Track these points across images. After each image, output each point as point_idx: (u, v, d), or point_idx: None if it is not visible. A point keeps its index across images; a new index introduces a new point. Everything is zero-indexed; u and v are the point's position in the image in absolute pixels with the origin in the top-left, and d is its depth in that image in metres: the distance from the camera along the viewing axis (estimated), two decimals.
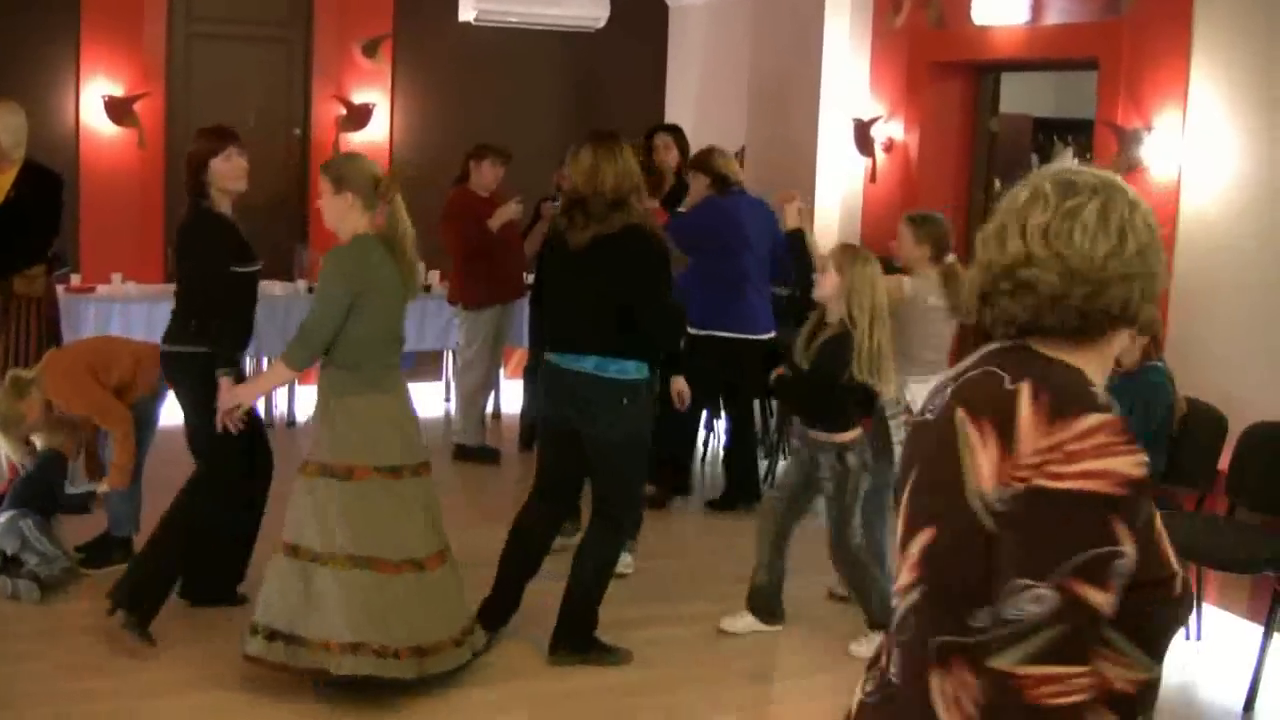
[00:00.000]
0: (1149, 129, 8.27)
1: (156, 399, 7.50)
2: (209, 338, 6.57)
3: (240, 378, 6.75)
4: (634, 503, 7.00)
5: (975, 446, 2.42)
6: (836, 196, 10.87)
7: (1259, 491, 7.05)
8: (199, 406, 6.65)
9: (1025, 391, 2.40)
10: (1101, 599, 2.29)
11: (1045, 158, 13.62)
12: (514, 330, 10.82)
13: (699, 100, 13.33)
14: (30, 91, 10.34)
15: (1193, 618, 7.27)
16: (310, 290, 10.19)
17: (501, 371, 11.56)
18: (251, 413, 6.77)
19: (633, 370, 6.44)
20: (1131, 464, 2.33)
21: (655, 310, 6.47)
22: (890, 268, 7.29)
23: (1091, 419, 2.34)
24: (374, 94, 12.65)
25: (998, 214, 2.60)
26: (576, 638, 6.66)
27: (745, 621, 7.18)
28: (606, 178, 6.37)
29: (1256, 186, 7.76)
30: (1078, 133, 13.11)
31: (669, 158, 10.16)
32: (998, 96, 10.42)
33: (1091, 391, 2.43)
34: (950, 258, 7.39)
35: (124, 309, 10.32)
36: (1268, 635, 6.59)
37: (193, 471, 6.79)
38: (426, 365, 11.98)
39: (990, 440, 2.40)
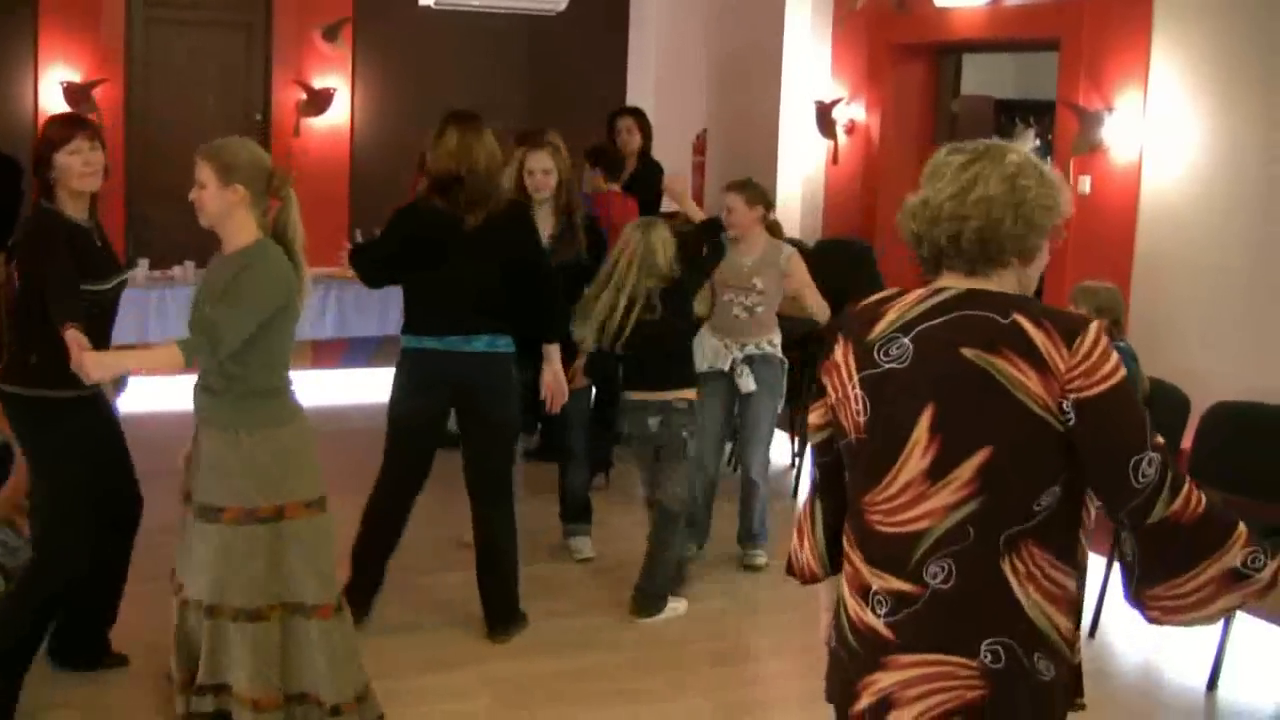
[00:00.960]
0: (1110, 110, 8.29)
1: None
2: (47, 377, 5.52)
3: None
4: (511, 478, 6.91)
5: (1013, 375, 2.86)
6: (798, 178, 10.87)
7: (1221, 470, 7.06)
8: (42, 462, 5.72)
9: (1024, 321, 2.89)
10: (1160, 436, 2.93)
11: (1006, 139, 13.65)
12: None
13: (660, 83, 13.30)
14: None
15: None
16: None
17: None
18: (117, 437, 6.00)
19: (511, 345, 6.58)
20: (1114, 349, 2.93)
21: (550, 285, 6.61)
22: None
23: (1091, 329, 2.90)
24: (335, 79, 12.62)
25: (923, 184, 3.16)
26: (514, 615, 6.76)
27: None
28: (479, 157, 6.39)
29: (1217, 167, 7.78)
30: (1039, 114, 13.15)
31: (631, 141, 10.15)
32: (959, 78, 10.43)
33: (1064, 310, 3.01)
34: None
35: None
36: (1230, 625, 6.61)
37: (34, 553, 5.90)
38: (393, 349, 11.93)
39: (1022, 367, 2.85)
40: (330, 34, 12.49)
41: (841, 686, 3.17)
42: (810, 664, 6.57)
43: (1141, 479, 2.86)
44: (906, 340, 2.98)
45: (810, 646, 6.68)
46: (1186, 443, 7.23)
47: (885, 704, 3.02)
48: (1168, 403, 7.24)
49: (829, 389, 3.17)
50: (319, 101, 12.47)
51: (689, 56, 12.47)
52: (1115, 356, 2.90)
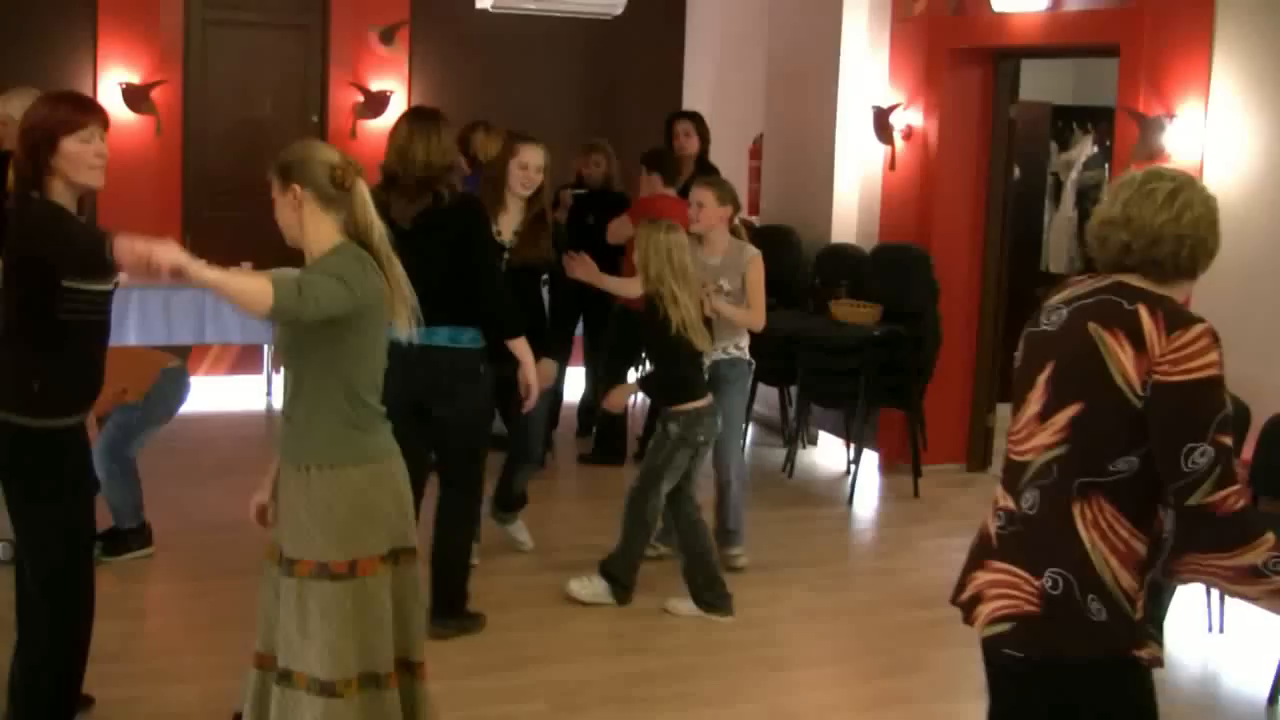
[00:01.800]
0: (1171, 116, 8.22)
1: (145, 410, 7.42)
2: (51, 406, 4.96)
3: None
4: (482, 471, 6.93)
5: (1114, 349, 3.38)
6: (855, 183, 10.83)
7: None
8: (39, 502, 5.02)
9: (1144, 311, 3.38)
10: (1230, 440, 3.32)
11: (1064, 145, 13.58)
12: None
13: (716, 87, 13.30)
14: (48, 79, 10.31)
15: (1215, 610, 7.25)
16: None
17: None
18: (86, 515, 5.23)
19: (478, 340, 6.60)
20: (1219, 353, 3.34)
21: (491, 282, 6.60)
22: None
23: (1197, 327, 3.34)
24: (391, 81, 12.64)
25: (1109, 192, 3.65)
26: (456, 609, 6.76)
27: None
28: (417, 153, 6.46)
29: (1279, 174, 7.72)
30: (1096, 120, 13.07)
31: (689, 145, 10.15)
32: (1017, 83, 10.37)
33: (1187, 311, 3.42)
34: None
35: (141, 296, 10.32)
36: None
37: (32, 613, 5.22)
38: None
39: (1125, 344, 3.37)
40: (387, 36, 12.52)
41: (960, 577, 3.72)
42: (861, 671, 6.58)
43: (1190, 465, 3.28)
44: (1065, 311, 3.57)
45: (861, 654, 6.68)
46: (1247, 454, 7.16)
47: (976, 598, 3.62)
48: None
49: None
50: (375, 104, 12.50)
51: (746, 61, 12.45)
52: (1211, 356, 3.32)
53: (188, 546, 7.73)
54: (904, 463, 9.80)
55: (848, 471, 9.81)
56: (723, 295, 7.56)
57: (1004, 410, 9.57)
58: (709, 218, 7.65)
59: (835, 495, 9.62)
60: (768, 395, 10.89)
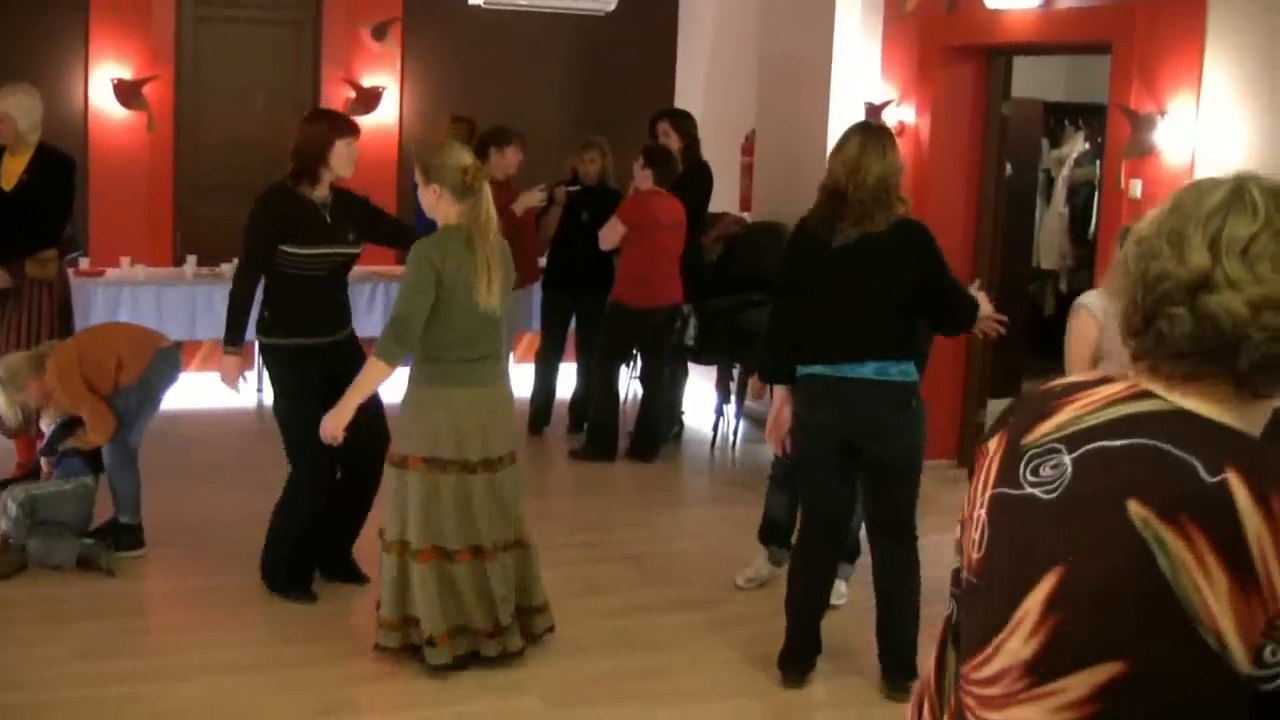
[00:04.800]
0: (1162, 113, 8.24)
1: (141, 389, 7.45)
2: (272, 328, 6.91)
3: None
4: (914, 517, 6.30)
5: (1190, 565, 1.80)
6: None
7: None
8: (277, 396, 7.06)
9: (1240, 490, 1.80)
10: None
11: (1056, 142, 13.60)
12: (526, 315, 10.84)
13: (709, 83, 13.30)
14: (39, 74, 10.30)
15: None
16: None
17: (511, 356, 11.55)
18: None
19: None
20: None
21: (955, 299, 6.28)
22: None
23: None
24: (383, 77, 12.63)
25: (1167, 214, 2.03)
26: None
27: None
28: (871, 171, 5.89)
29: (1271, 170, 7.70)
30: (1088, 117, 13.10)
31: (668, 144, 10.23)
32: (1009, 80, 10.38)
33: None
34: None
35: (133, 293, 10.34)
36: None
37: (293, 472, 6.96)
38: None
39: (1213, 564, 1.79)
40: (379, 33, 12.51)
41: None
42: (858, 665, 6.58)
43: None
44: (1067, 459, 1.97)
45: (857, 649, 6.69)
46: None
47: None
48: None
49: (969, 491, 2.19)
50: (368, 100, 12.49)
51: (738, 57, 12.44)
52: None
53: (182, 544, 7.73)
54: None
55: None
56: None
57: (995, 406, 9.59)
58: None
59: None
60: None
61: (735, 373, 10.38)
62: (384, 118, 12.57)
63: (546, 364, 10.69)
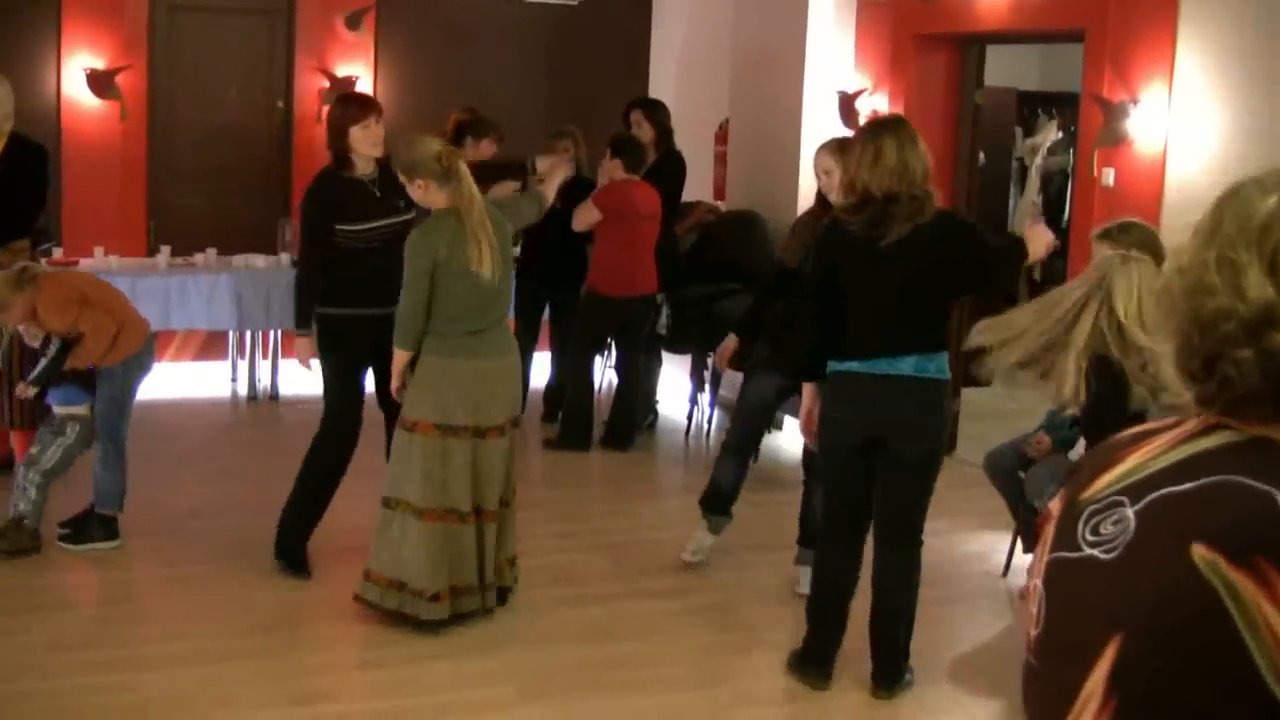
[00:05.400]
0: (1135, 102, 8.27)
1: (129, 372, 7.42)
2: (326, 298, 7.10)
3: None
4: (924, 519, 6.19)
5: (1264, 611, 1.51)
6: None
7: None
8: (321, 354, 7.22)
9: None
10: None
11: (1029, 131, 13.65)
12: None
13: (683, 72, 13.31)
14: (11, 63, 10.28)
15: None
16: (295, 264, 10.14)
17: None
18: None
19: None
20: None
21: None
22: None
23: None
24: (357, 66, 12.63)
25: (1210, 235, 1.74)
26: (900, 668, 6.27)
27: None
28: (916, 168, 5.83)
29: (1242, 160, 7.76)
30: (1061, 106, 13.14)
31: (641, 133, 10.23)
32: (982, 69, 10.41)
33: None
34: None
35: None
36: None
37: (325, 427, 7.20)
38: None
39: None
40: (353, 22, 12.51)
41: None
42: (841, 659, 6.59)
43: None
44: (1130, 511, 1.68)
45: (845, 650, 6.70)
46: None
47: None
48: None
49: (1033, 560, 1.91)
50: (341, 89, 12.46)
51: (711, 46, 12.45)
52: None
53: (158, 534, 7.71)
54: None
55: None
56: None
57: (969, 394, 9.62)
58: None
59: (800, 479, 9.64)
60: (733, 379, 10.90)
61: (709, 361, 10.38)
62: None
63: (521, 353, 10.68)
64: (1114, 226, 5.76)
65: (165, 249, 10.86)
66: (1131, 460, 1.73)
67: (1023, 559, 7.45)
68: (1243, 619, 1.50)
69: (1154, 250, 5.53)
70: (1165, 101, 8.17)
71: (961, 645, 6.84)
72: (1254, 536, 1.52)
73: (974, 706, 6.15)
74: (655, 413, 10.78)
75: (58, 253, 10.38)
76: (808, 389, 6.29)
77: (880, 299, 5.89)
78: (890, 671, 6.13)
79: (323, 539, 7.26)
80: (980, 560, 7.89)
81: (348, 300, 7.06)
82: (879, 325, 5.89)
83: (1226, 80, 7.90)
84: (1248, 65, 7.76)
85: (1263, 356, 1.61)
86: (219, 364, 11.61)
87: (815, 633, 6.24)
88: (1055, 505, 1.83)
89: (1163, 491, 1.65)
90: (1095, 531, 1.70)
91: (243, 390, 11.13)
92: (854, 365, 5.93)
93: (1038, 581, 1.80)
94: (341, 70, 12.53)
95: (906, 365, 5.86)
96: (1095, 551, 1.69)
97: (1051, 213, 13.39)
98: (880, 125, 6.16)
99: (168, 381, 10.03)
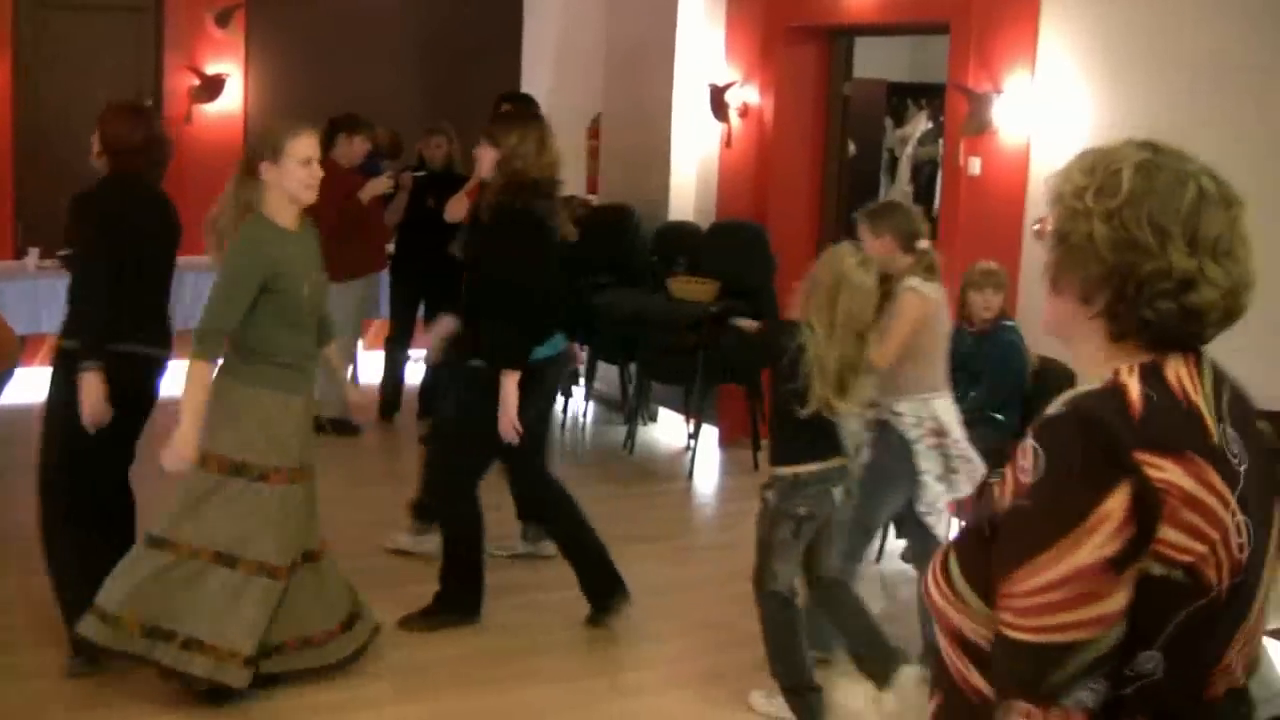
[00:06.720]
0: (999, 92, 8.37)
1: None
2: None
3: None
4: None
5: None
6: (692, 162, 10.90)
7: None
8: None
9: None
10: None
11: (899, 122, 13.77)
12: (374, 302, 10.80)
13: (556, 65, 13.31)
14: None
15: None
16: None
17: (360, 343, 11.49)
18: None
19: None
20: None
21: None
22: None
23: None
24: (227, 64, 12.52)
25: (1141, 195, 2.26)
26: None
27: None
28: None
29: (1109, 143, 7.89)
30: (930, 96, 13.27)
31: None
32: (851, 61, 10.50)
33: None
34: (923, 244, 6.31)
35: None
36: None
37: None
38: None
39: None
40: (222, 19, 12.40)
41: None
42: (708, 643, 6.64)
43: None
44: (1231, 429, 2.23)
45: (702, 627, 6.75)
46: None
47: None
48: (1056, 378, 7.33)
49: (1185, 541, 2.12)
50: (211, 87, 12.37)
51: (585, 40, 12.48)
52: None
53: (33, 539, 7.61)
54: (744, 437, 9.90)
55: (688, 447, 9.89)
56: None
57: None
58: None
59: (676, 471, 9.71)
60: (608, 373, 10.95)
61: (584, 354, 10.39)
62: (228, 105, 12.47)
63: (395, 350, 10.67)
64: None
65: (34, 250, 10.73)
66: (1197, 398, 2.21)
67: (894, 544, 7.52)
68: None
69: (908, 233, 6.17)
70: (1028, 90, 8.28)
71: None
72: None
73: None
74: None
75: None
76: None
77: None
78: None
79: None
80: None
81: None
82: None
83: (1090, 68, 8.02)
84: (1111, 54, 7.89)
85: (1181, 308, 2.19)
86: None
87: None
88: (1189, 475, 2.11)
89: (1223, 401, 2.24)
90: (1234, 453, 2.18)
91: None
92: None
93: (1240, 518, 2.14)
94: (211, 68, 12.41)
95: None
96: (1244, 465, 2.18)
97: (922, 202, 13.53)
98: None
99: (38, 387, 9.88)
